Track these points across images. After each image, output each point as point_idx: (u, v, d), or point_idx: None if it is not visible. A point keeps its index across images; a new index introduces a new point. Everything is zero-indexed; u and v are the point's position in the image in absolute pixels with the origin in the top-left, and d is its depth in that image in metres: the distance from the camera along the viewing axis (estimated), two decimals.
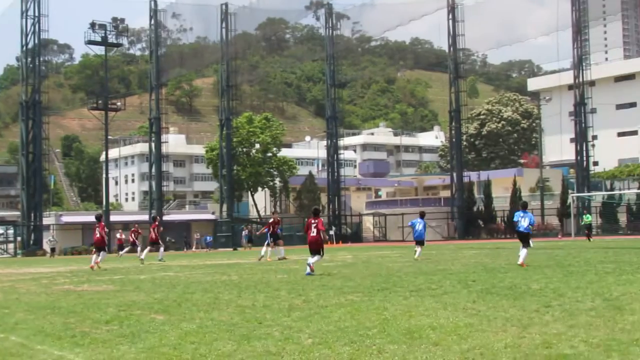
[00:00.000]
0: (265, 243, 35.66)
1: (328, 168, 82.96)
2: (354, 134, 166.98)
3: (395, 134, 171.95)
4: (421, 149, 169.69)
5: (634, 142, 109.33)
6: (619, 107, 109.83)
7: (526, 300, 13.10)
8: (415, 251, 30.42)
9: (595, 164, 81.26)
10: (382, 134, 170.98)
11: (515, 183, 76.76)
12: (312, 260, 22.37)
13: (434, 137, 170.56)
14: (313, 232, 22.63)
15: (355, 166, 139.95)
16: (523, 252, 23.43)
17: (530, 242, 24.47)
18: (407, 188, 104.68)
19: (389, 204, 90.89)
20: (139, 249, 43.21)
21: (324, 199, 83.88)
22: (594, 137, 79.68)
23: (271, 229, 34.66)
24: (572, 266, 22.20)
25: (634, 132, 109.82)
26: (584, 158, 73.32)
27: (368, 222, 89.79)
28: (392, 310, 12.24)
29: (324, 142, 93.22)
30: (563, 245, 43.15)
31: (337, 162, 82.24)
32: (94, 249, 31.99)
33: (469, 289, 15.41)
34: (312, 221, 22.78)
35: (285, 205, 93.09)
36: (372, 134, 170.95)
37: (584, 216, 58.53)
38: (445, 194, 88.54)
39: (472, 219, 78.29)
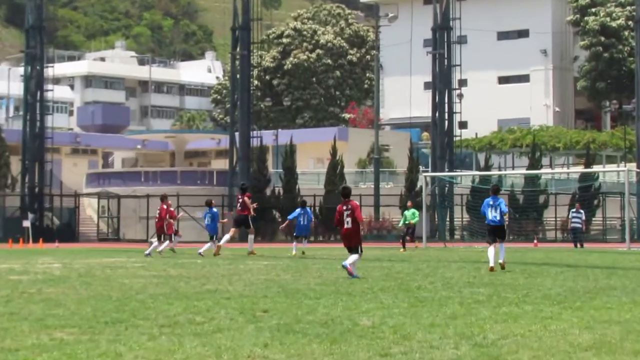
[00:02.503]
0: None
1: (25, 114, 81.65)
2: (71, 59, 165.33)
3: (142, 62, 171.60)
4: (184, 89, 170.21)
5: (524, 93, 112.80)
6: (502, 36, 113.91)
7: (351, 344, 13.29)
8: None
9: (463, 125, 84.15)
10: (120, 61, 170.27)
11: (335, 151, 78.22)
12: (349, 261, 25.36)
13: (206, 70, 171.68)
14: (347, 224, 25.55)
15: (71, 113, 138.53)
16: (502, 249, 29.27)
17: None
18: (158, 153, 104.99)
19: (126, 178, 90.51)
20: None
21: (16, 165, 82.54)
22: (463, 83, 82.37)
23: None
24: (423, 290, 22.81)
25: (525, 78, 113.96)
26: (446, 116, 75.69)
27: (90, 208, 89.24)
28: (129, 358, 12.16)
29: (20, 70, 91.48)
30: (409, 255, 44.34)
31: (42, 105, 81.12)
32: None
33: (258, 324, 15.55)
34: (344, 208, 25.39)
35: None
36: (103, 59, 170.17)
37: (407, 212, 57.98)
38: (221, 164, 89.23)
39: (260, 208, 79.14)
